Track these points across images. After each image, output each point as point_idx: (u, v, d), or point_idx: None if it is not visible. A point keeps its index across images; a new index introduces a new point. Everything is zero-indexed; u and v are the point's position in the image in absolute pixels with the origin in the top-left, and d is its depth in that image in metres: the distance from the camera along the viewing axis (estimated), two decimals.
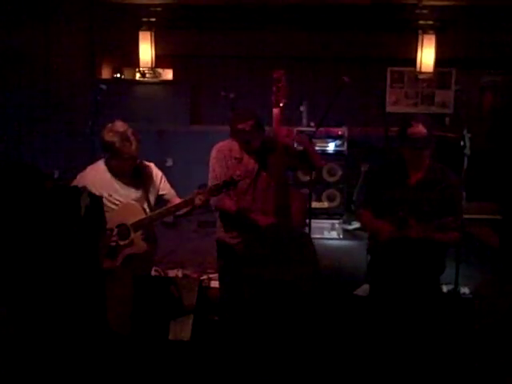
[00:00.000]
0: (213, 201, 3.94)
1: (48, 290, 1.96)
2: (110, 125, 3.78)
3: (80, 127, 6.88)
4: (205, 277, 5.34)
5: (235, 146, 4.06)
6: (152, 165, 4.03)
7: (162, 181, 4.02)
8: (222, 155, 4.06)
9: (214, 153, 4.12)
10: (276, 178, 3.93)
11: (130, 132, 3.74)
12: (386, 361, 3.66)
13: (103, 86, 5.12)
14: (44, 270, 1.97)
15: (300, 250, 3.83)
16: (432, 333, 3.71)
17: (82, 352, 1.93)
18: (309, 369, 3.65)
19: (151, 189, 3.96)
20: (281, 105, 3.88)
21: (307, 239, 4.01)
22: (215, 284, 5.07)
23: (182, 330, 3.66)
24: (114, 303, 1.94)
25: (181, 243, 6.40)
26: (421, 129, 3.68)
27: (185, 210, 3.84)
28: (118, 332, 1.91)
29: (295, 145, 4.40)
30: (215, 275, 5.17)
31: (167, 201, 4.01)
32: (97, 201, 2.08)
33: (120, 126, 3.75)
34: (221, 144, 4.14)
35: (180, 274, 5.41)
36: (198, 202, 3.74)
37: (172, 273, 5.42)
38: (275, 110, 3.89)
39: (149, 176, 3.97)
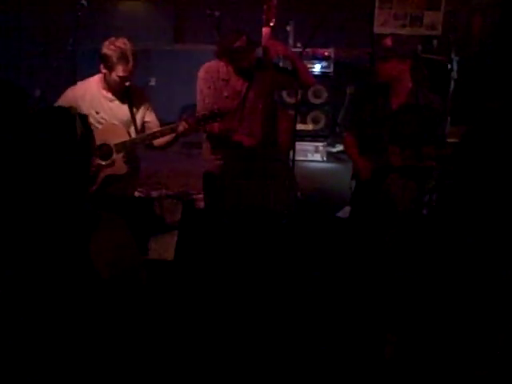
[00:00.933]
0: None
1: (38, 228, 1.95)
2: (112, 38, 3.74)
3: (61, 44, 6.71)
4: (189, 198, 5.37)
5: (222, 66, 4.00)
6: (143, 90, 4.02)
7: (149, 108, 3.98)
8: (210, 76, 4.01)
9: (201, 73, 4.06)
10: (264, 98, 3.90)
11: (129, 51, 3.69)
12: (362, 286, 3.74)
13: (84, 2, 4.95)
14: (34, 205, 1.95)
15: (277, 173, 3.86)
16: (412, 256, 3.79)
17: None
18: (289, 289, 3.72)
19: (139, 114, 3.93)
20: (271, 24, 3.81)
21: (286, 164, 4.02)
22: (199, 205, 5.10)
23: (166, 249, 3.70)
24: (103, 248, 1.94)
25: (165, 164, 6.39)
26: (391, 38, 3.72)
27: (168, 136, 3.81)
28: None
29: (282, 62, 4.36)
30: (199, 196, 5.20)
31: (149, 130, 3.96)
32: (88, 125, 2.04)
33: (122, 42, 3.71)
34: (208, 64, 4.08)
35: (164, 195, 5.44)
36: (181, 128, 3.71)
37: (156, 193, 5.45)
38: (265, 29, 3.82)
39: (139, 101, 3.93)
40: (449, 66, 4.24)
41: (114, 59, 3.66)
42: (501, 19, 7.73)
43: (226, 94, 3.97)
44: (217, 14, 5.19)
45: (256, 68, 3.94)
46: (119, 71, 3.69)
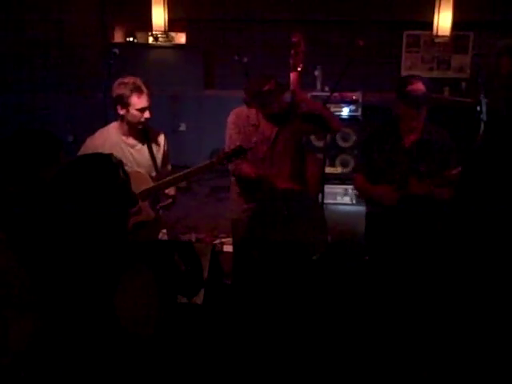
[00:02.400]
0: (231, 167, 3.96)
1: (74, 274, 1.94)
2: (119, 79, 3.77)
3: (93, 91, 6.86)
4: (217, 241, 5.38)
5: (252, 112, 4.04)
6: (162, 134, 4.00)
7: (168, 152, 3.99)
8: (239, 121, 4.05)
9: (231, 118, 4.09)
10: (293, 143, 3.91)
11: (140, 82, 3.71)
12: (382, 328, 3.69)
13: (116, 50, 5.09)
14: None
15: (310, 215, 3.84)
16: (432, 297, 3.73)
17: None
18: (314, 333, 3.68)
19: (159, 156, 3.94)
20: (298, 69, 3.83)
21: (316, 205, 4.01)
22: (228, 248, 5.10)
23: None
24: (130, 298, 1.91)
25: (194, 208, 6.42)
26: (421, 86, 3.70)
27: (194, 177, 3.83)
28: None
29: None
30: (228, 239, 5.21)
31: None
32: (125, 172, 2.03)
33: (130, 78, 3.73)
34: (238, 110, 4.11)
35: (193, 239, 5.45)
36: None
37: (185, 237, 5.46)
38: (293, 75, 3.85)
39: (158, 143, 3.95)
40: (478, 108, 4.21)
41: (128, 93, 3.67)
42: None
43: (255, 139, 4.00)
44: (245, 59, 5.28)
45: (286, 113, 3.96)
46: (136, 103, 3.68)
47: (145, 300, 2.08)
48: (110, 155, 2.01)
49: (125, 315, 1.96)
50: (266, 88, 3.87)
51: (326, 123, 3.98)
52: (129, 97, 3.68)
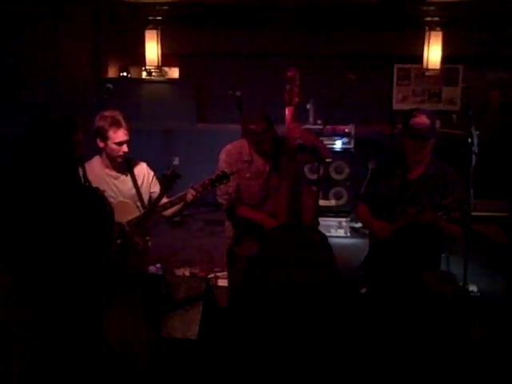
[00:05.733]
0: (222, 202, 3.98)
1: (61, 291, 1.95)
2: (101, 112, 3.78)
3: (87, 126, 6.87)
4: (212, 275, 5.34)
5: (245, 147, 4.04)
6: (144, 163, 4.01)
7: (154, 179, 3.98)
8: (233, 159, 4.05)
9: (223, 156, 4.10)
10: (288, 177, 3.91)
11: (119, 116, 3.72)
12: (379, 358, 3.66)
13: (109, 85, 5.10)
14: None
15: (318, 252, 3.83)
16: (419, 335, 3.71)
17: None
18: (316, 370, 3.65)
19: (144, 186, 3.93)
20: (293, 104, 3.86)
21: (325, 240, 3.99)
22: (223, 283, 5.07)
23: (189, 328, 3.65)
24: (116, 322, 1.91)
25: (188, 242, 6.40)
26: (424, 119, 3.71)
27: (177, 207, 3.82)
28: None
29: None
30: (223, 273, 5.18)
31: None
32: (110, 204, 2.05)
33: (110, 111, 3.75)
34: (229, 147, 4.12)
35: (187, 273, 5.42)
36: (189, 196, 3.71)
37: (179, 271, 5.43)
38: (288, 109, 3.87)
39: (141, 173, 3.94)
40: (469, 141, 4.23)
41: (107, 126, 3.69)
42: None
43: (248, 175, 4.01)
44: (238, 93, 5.30)
45: (280, 148, 3.97)
46: (113, 137, 3.70)
47: (133, 323, 2.09)
48: (95, 188, 2.04)
49: (114, 337, 1.96)
50: (252, 128, 3.89)
51: (319, 153, 4.01)
52: (107, 130, 3.70)
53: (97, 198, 2.02)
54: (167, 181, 3.66)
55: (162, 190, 3.73)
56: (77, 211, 1.96)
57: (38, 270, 1.95)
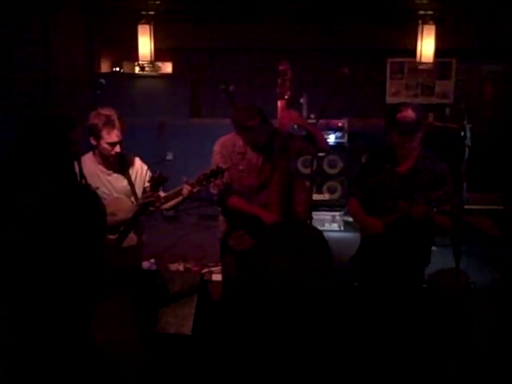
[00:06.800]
0: (214, 194, 3.97)
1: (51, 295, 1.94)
2: (98, 109, 3.76)
3: (80, 121, 6.85)
4: (206, 270, 5.36)
5: (239, 140, 4.04)
6: (137, 158, 3.99)
7: (148, 174, 3.95)
8: (226, 151, 4.04)
9: (217, 148, 4.09)
10: (281, 170, 3.92)
11: (114, 116, 3.70)
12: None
13: (102, 80, 5.10)
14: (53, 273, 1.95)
15: (312, 245, 3.84)
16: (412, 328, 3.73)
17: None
18: (310, 366, 3.66)
19: (137, 182, 3.92)
20: (286, 97, 3.86)
21: (319, 234, 4.01)
22: (217, 277, 5.08)
23: (183, 323, 3.65)
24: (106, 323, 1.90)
25: (182, 237, 6.40)
26: (410, 113, 3.71)
27: (174, 201, 3.82)
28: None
29: (295, 127, 4.42)
30: (217, 268, 5.19)
31: None
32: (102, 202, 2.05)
33: (106, 110, 3.73)
34: (223, 139, 4.11)
35: (182, 268, 5.43)
36: (185, 191, 3.70)
37: (173, 266, 5.44)
38: (280, 103, 3.88)
39: (135, 169, 3.93)
40: (462, 134, 4.24)
41: (100, 126, 3.67)
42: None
43: (241, 167, 4.01)
44: (231, 88, 5.30)
45: (272, 140, 3.97)
46: (106, 138, 3.69)
47: (122, 323, 2.10)
48: (88, 186, 2.04)
49: (101, 336, 1.96)
50: (249, 123, 3.89)
51: (315, 141, 4.01)
52: (100, 130, 3.68)
53: (88, 196, 2.01)
54: (155, 183, 3.65)
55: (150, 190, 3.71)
56: (64, 210, 1.95)
57: (24, 269, 1.94)
